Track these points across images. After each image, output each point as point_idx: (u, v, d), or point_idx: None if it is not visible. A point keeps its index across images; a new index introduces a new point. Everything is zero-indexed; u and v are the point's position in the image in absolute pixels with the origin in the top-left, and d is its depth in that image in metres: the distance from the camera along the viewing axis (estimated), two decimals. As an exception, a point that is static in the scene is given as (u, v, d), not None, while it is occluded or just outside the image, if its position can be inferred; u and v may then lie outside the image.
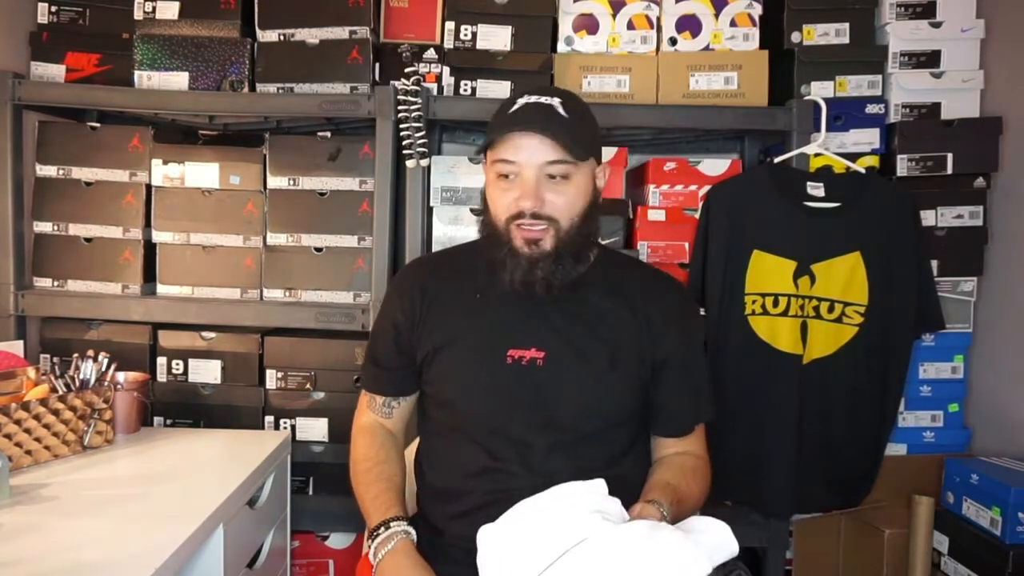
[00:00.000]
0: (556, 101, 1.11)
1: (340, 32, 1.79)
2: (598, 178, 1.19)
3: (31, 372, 1.48)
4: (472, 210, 1.83)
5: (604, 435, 1.16)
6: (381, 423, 1.28)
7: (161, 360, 1.85)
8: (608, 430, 1.17)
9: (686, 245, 1.84)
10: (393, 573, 1.06)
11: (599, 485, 1.00)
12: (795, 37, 1.89)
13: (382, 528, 1.10)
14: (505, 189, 1.11)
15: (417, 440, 1.33)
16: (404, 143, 1.73)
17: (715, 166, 1.86)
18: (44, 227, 1.85)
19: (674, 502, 1.07)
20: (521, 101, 1.12)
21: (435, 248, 1.84)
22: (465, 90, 1.85)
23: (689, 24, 1.85)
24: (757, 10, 1.84)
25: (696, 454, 1.23)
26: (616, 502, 0.99)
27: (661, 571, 0.88)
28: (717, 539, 0.94)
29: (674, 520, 1.03)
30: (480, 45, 1.85)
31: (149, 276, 1.86)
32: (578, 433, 1.14)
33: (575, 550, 0.91)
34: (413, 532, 1.12)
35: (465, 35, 1.85)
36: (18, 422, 1.33)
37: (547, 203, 1.09)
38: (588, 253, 1.17)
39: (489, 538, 0.99)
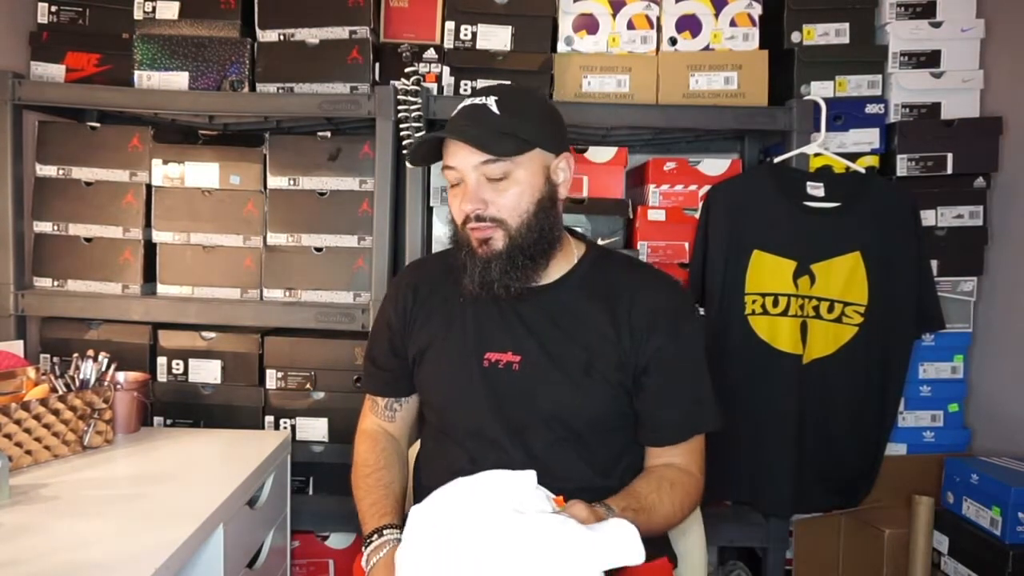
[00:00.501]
0: (491, 100, 1.10)
1: (340, 32, 1.79)
2: (557, 171, 1.14)
3: (31, 372, 1.48)
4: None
5: (584, 442, 1.14)
6: (384, 427, 1.28)
7: (161, 360, 1.85)
8: (588, 436, 1.14)
9: (686, 245, 1.84)
10: None
11: (528, 476, 0.97)
12: (795, 37, 1.89)
13: (375, 536, 1.11)
14: (454, 195, 1.13)
15: (419, 441, 1.33)
16: (404, 143, 1.73)
17: (715, 166, 1.86)
18: (44, 227, 1.85)
19: (635, 509, 1.04)
20: (461, 104, 1.13)
21: (435, 248, 1.84)
22: (465, 90, 1.85)
23: (689, 24, 1.85)
24: (757, 10, 1.84)
25: (681, 467, 1.15)
26: (543, 495, 0.95)
27: (549, 565, 0.87)
28: (619, 541, 0.90)
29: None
30: (480, 45, 1.85)
31: (149, 276, 1.86)
32: (554, 438, 1.13)
33: (478, 544, 0.90)
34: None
35: (465, 35, 1.85)
36: (18, 422, 1.33)
37: (490, 204, 1.09)
38: (549, 250, 1.14)
39: (414, 518, 0.98)
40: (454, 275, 1.20)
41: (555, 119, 1.17)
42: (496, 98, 1.10)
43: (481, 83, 1.85)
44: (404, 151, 1.74)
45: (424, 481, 1.22)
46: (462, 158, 1.09)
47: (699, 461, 1.18)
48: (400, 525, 1.13)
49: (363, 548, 1.12)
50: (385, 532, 1.11)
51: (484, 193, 1.09)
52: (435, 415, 1.23)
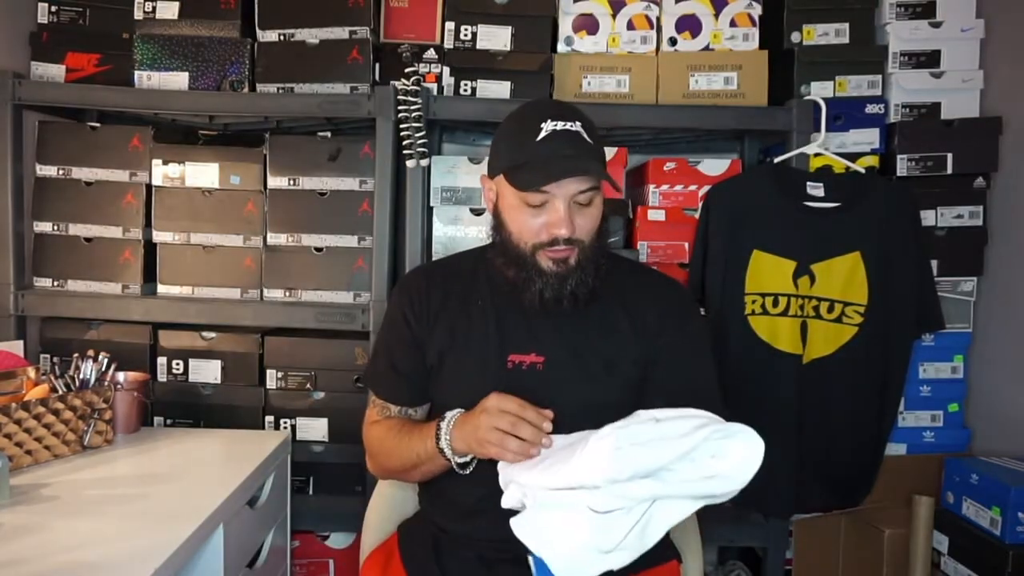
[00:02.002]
0: (579, 127, 1.12)
1: (340, 32, 1.79)
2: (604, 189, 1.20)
3: (31, 372, 1.47)
4: (472, 210, 1.83)
5: None
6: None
7: (161, 360, 1.85)
8: None
9: (686, 245, 1.84)
10: (472, 419, 1.07)
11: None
12: (795, 37, 1.89)
13: (435, 435, 1.11)
14: (533, 215, 1.12)
15: None
16: (404, 143, 1.73)
17: (715, 166, 1.86)
18: (44, 227, 1.85)
19: None
20: (547, 127, 1.10)
21: (435, 248, 1.84)
22: (465, 90, 1.85)
23: (689, 24, 1.85)
24: (757, 10, 1.84)
25: None
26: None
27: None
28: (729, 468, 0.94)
29: None
30: (480, 45, 1.85)
31: (149, 276, 1.86)
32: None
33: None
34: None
35: (465, 35, 1.85)
36: (18, 422, 1.33)
37: (576, 228, 1.11)
38: (604, 264, 1.18)
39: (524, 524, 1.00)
40: (467, 279, 1.22)
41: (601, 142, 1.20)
42: (581, 123, 1.12)
43: (481, 83, 1.85)
44: (404, 151, 1.74)
45: (434, 482, 1.22)
46: (565, 186, 1.09)
47: None
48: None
49: (441, 448, 1.10)
50: (443, 423, 1.11)
51: (576, 218, 1.11)
52: None
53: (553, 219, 1.10)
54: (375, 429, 1.24)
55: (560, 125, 1.11)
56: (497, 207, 1.17)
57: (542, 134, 1.10)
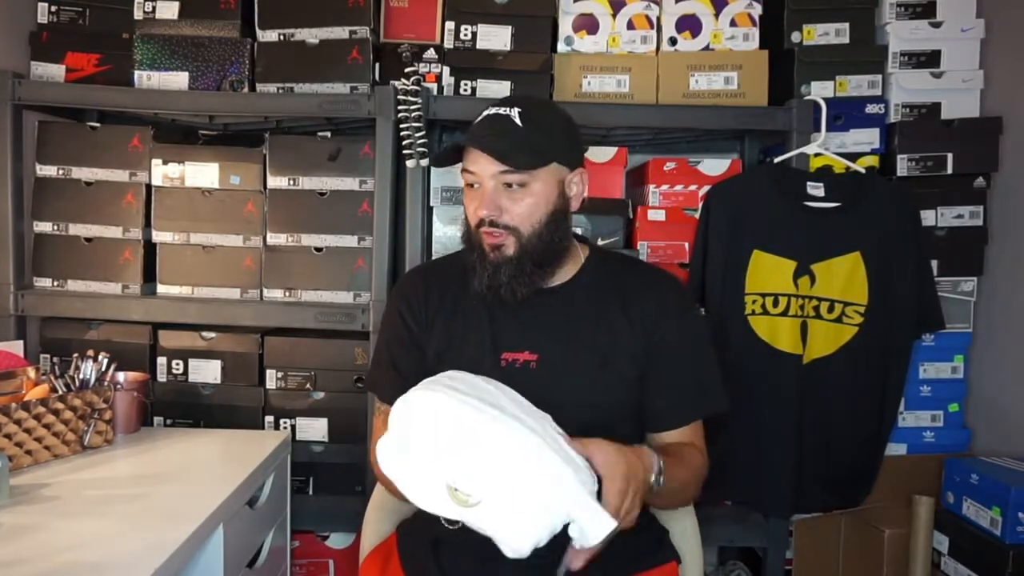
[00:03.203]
0: (515, 112, 1.12)
1: (340, 32, 1.79)
2: (571, 185, 1.18)
3: (31, 372, 1.47)
4: (472, 210, 1.83)
5: (600, 435, 1.16)
6: None
7: (161, 360, 1.85)
8: (604, 430, 1.16)
9: (686, 245, 1.84)
10: None
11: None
12: (795, 37, 1.89)
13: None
14: (470, 197, 1.17)
15: None
16: (404, 143, 1.73)
17: (715, 166, 1.86)
18: (44, 227, 1.85)
19: (670, 454, 1.09)
20: (484, 112, 1.15)
21: (435, 248, 1.84)
22: (465, 90, 1.85)
23: (689, 24, 1.85)
24: (757, 10, 1.84)
25: (692, 444, 1.19)
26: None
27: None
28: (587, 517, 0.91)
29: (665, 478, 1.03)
30: (480, 45, 1.85)
31: (149, 276, 1.86)
32: (570, 433, 1.14)
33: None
34: None
35: (465, 35, 1.85)
36: (18, 422, 1.33)
37: (504, 211, 1.13)
38: (557, 259, 1.18)
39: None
40: (463, 278, 1.22)
41: (573, 135, 1.20)
42: (520, 110, 1.13)
43: (481, 83, 1.85)
44: (404, 151, 1.74)
45: None
46: (482, 165, 1.12)
47: (703, 442, 1.22)
48: None
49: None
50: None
51: (500, 200, 1.13)
52: None
53: (480, 199, 1.14)
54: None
55: (494, 111, 1.14)
56: None
57: (479, 118, 1.15)
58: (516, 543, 0.90)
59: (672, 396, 1.19)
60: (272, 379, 1.84)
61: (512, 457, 0.90)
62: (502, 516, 0.90)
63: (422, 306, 1.23)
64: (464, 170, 1.15)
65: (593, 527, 0.90)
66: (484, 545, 1.15)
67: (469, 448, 0.90)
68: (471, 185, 1.16)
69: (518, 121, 1.12)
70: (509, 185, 1.12)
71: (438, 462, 0.92)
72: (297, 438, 1.82)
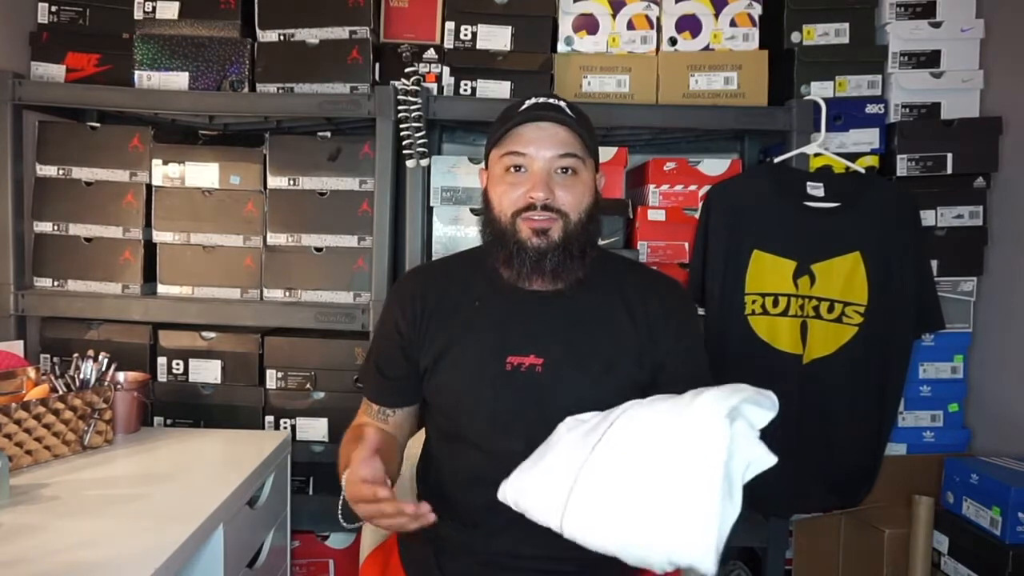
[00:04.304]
0: (563, 103, 1.15)
1: (340, 32, 1.79)
2: (598, 182, 1.21)
3: (31, 372, 1.48)
4: (472, 210, 1.83)
5: None
6: (377, 425, 1.26)
7: (161, 360, 1.85)
8: None
9: (686, 245, 1.84)
10: (351, 476, 0.99)
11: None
12: (795, 37, 1.89)
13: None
14: (513, 183, 1.13)
15: (421, 437, 1.33)
16: (404, 143, 1.73)
17: (715, 166, 1.86)
18: (44, 227, 1.85)
19: None
20: (529, 101, 1.15)
21: (435, 248, 1.84)
22: (465, 90, 1.85)
23: (689, 24, 1.85)
24: (757, 10, 1.84)
25: None
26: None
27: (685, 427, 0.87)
28: (754, 396, 0.89)
29: None
30: (480, 45, 1.85)
31: (149, 276, 1.86)
32: None
33: (611, 429, 0.91)
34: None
35: (465, 35, 1.85)
36: (18, 422, 1.33)
37: (557, 196, 1.12)
38: (590, 252, 1.17)
39: (514, 483, 0.97)
40: (464, 280, 1.22)
41: (596, 136, 1.22)
42: (566, 103, 1.15)
43: (481, 83, 1.85)
44: (404, 151, 1.74)
45: (432, 486, 1.22)
46: (539, 145, 1.11)
47: None
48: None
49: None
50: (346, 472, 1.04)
51: (553, 183, 1.11)
52: (448, 421, 1.20)
53: (530, 182, 1.11)
54: (346, 435, 1.23)
55: (542, 99, 1.15)
56: (486, 190, 1.19)
57: (525, 106, 1.15)
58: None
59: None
60: (272, 379, 1.84)
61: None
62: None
63: (419, 310, 1.21)
64: (511, 152, 1.12)
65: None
66: (485, 546, 1.15)
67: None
68: (515, 169, 1.13)
69: (569, 111, 1.13)
70: (564, 170, 1.12)
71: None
72: (297, 438, 1.82)
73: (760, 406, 0.88)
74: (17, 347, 1.61)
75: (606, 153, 1.87)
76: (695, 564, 0.82)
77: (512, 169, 1.13)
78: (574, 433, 0.98)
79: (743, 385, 0.89)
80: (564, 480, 0.92)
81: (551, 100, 1.15)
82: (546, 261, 1.12)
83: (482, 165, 1.24)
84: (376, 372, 1.25)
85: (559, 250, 1.12)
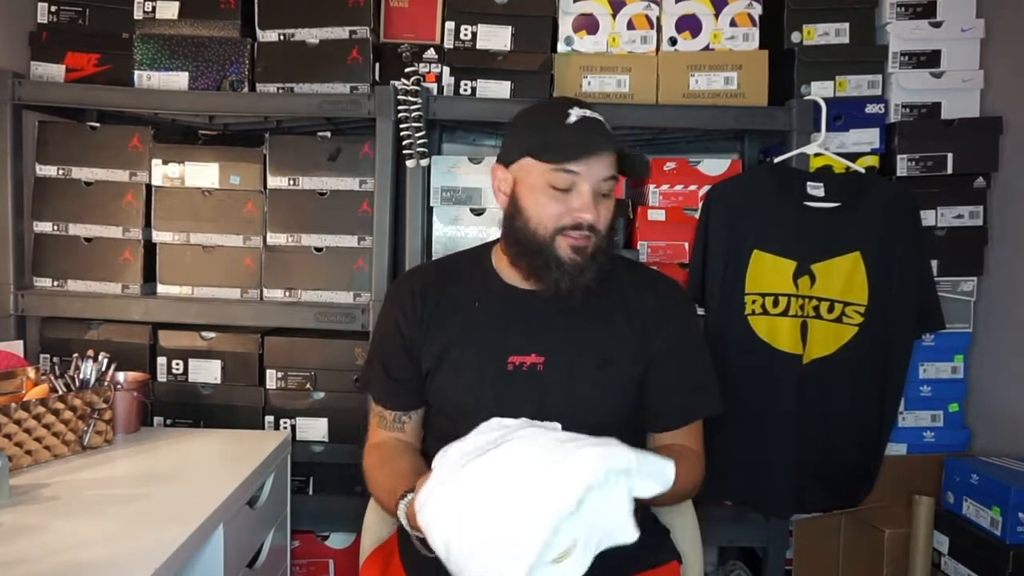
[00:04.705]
0: (601, 118, 1.15)
1: (340, 32, 1.79)
2: None
3: (31, 372, 1.48)
4: (472, 210, 1.83)
5: (605, 436, 1.16)
6: (394, 436, 1.25)
7: (161, 360, 1.85)
8: (608, 431, 1.17)
9: (686, 245, 1.84)
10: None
11: (554, 425, 1.00)
12: (795, 37, 1.89)
13: (397, 517, 1.06)
14: (557, 198, 1.12)
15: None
16: (404, 143, 1.73)
17: (715, 166, 1.86)
18: (44, 227, 1.85)
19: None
20: (576, 112, 1.13)
21: (435, 248, 1.84)
22: (465, 90, 1.85)
23: (689, 24, 1.85)
24: (757, 10, 1.84)
25: (687, 446, 1.21)
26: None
27: (558, 468, 0.86)
28: (655, 464, 0.89)
29: None
30: (480, 45, 1.85)
31: (149, 276, 1.86)
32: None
33: (500, 445, 0.92)
34: None
35: (465, 35, 1.85)
36: (18, 422, 1.33)
37: (598, 216, 1.13)
38: (611, 258, 1.20)
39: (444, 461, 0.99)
40: (463, 280, 1.22)
41: None
42: (601, 116, 1.15)
43: (481, 83, 1.85)
44: (404, 151, 1.74)
45: None
46: (594, 169, 1.11)
47: (701, 444, 1.24)
48: (412, 489, 1.07)
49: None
50: (401, 503, 1.05)
51: (597, 205, 1.13)
52: (449, 422, 1.20)
53: (579, 203, 1.11)
54: (369, 458, 1.23)
55: (587, 113, 1.14)
56: (515, 194, 1.16)
57: (571, 118, 1.12)
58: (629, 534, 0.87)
59: (674, 397, 1.21)
60: (272, 379, 1.84)
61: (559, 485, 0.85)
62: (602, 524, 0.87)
63: (418, 310, 1.21)
64: (564, 171, 1.10)
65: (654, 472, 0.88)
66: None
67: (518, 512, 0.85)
68: (562, 188, 1.11)
69: (607, 127, 1.15)
70: (604, 193, 1.13)
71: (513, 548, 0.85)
72: (297, 438, 1.82)
73: (652, 478, 0.88)
74: (17, 347, 1.61)
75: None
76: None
77: (560, 187, 1.12)
78: (479, 438, 0.98)
79: (641, 455, 0.87)
80: (437, 480, 0.93)
81: (596, 116, 1.14)
82: (583, 277, 1.13)
83: (494, 162, 1.21)
84: (385, 376, 1.24)
85: (593, 264, 1.13)
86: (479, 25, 1.85)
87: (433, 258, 1.79)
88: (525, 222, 1.14)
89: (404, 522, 1.04)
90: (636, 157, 1.16)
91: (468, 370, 1.17)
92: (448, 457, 0.97)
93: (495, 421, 1.01)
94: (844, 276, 1.70)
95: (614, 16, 1.85)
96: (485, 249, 1.28)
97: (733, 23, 1.84)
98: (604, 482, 0.85)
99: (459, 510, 0.88)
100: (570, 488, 0.83)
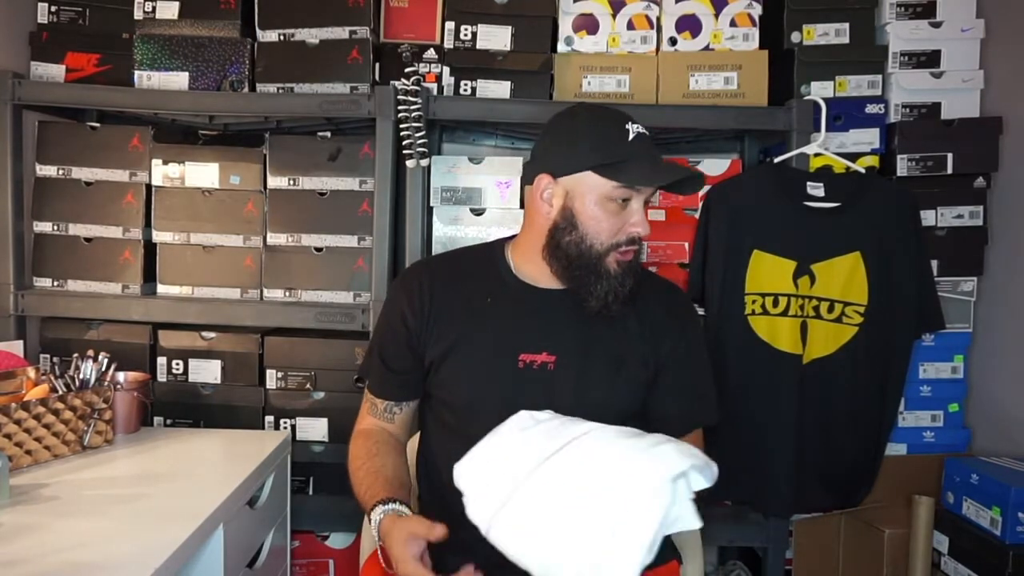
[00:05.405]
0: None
1: (340, 32, 1.79)
2: None
3: (31, 372, 1.48)
4: (472, 210, 1.83)
5: None
6: (382, 426, 1.27)
7: (161, 360, 1.85)
8: None
9: (686, 245, 1.84)
10: (389, 545, 1.04)
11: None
12: (795, 37, 1.89)
13: (371, 513, 1.10)
14: (615, 213, 1.13)
15: (418, 437, 1.33)
16: (404, 143, 1.73)
17: (715, 166, 1.86)
18: (44, 227, 1.85)
19: None
20: (633, 128, 1.13)
21: (435, 248, 1.84)
22: (465, 90, 1.85)
23: (689, 24, 1.85)
24: (757, 10, 1.84)
25: None
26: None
27: (642, 468, 0.89)
28: (688, 450, 0.93)
29: None
30: (480, 45, 1.85)
31: (149, 276, 1.86)
32: None
33: (564, 449, 0.93)
34: (397, 506, 1.09)
35: (465, 35, 1.85)
36: (18, 422, 1.33)
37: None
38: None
39: (466, 471, 1.00)
40: (472, 276, 1.23)
41: None
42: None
43: (481, 83, 1.85)
44: (404, 151, 1.74)
45: (434, 483, 1.22)
46: (649, 187, 1.14)
47: (702, 448, 1.23)
48: (392, 499, 1.11)
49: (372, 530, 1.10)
50: (374, 510, 1.09)
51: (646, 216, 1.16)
52: (455, 416, 1.20)
53: (635, 219, 1.14)
54: (355, 444, 1.24)
55: (641, 129, 1.15)
56: (567, 208, 1.14)
57: (631, 135, 1.13)
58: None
59: (682, 402, 1.22)
60: (272, 379, 1.84)
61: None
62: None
63: (426, 302, 1.21)
64: (627, 187, 1.12)
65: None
66: (485, 545, 1.15)
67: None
68: (619, 201, 1.12)
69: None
70: (648, 205, 1.17)
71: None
72: (297, 438, 1.82)
73: (702, 473, 0.92)
74: (17, 347, 1.61)
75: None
76: None
77: (617, 200, 1.12)
78: (527, 434, 0.99)
79: (695, 450, 0.93)
80: (503, 488, 0.94)
81: (646, 132, 1.15)
82: (625, 286, 1.15)
83: (541, 171, 1.17)
84: (381, 365, 1.24)
85: (632, 273, 1.16)
86: (479, 25, 1.85)
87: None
88: (580, 237, 1.14)
89: (375, 532, 1.08)
90: (694, 179, 1.17)
91: (478, 366, 1.17)
92: (496, 465, 0.97)
93: (525, 414, 1.03)
94: (844, 276, 1.70)
95: (614, 16, 1.85)
96: (496, 246, 1.28)
97: (733, 23, 1.84)
98: (674, 484, 0.89)
99: (542, 523, 0.90)
100: (664, 490, 0.87)
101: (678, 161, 1.85)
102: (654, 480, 0.88)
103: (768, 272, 1.71)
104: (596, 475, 0.91)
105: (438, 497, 1.21)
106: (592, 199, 1.12)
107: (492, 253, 1.26)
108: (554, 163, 1.15)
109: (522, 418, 1.03)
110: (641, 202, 1.14)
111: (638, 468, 0.90)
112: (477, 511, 0.96)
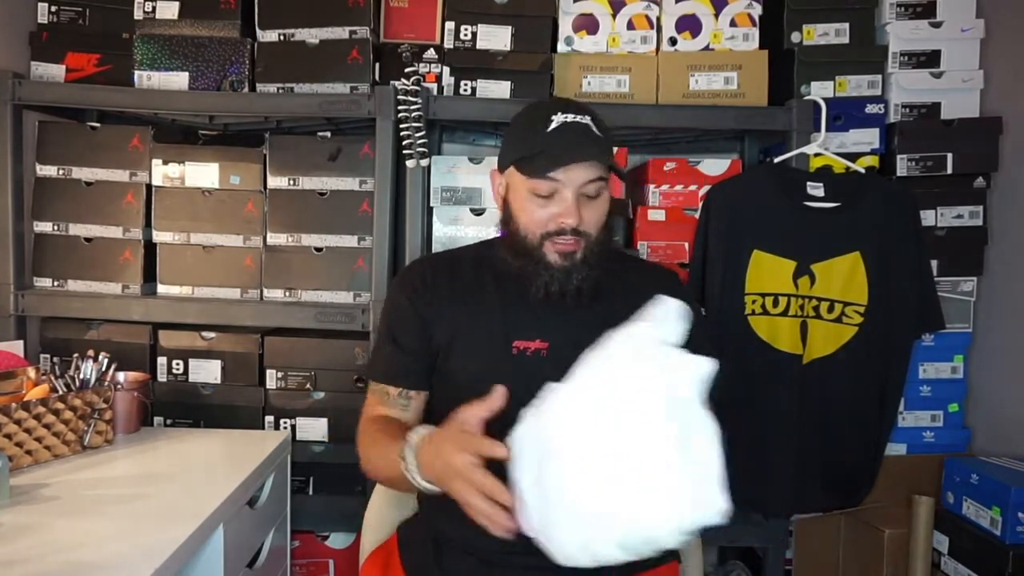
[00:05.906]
0: (588, 120, 1.15)
1: (340, 32, 1.79)
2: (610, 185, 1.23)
3: (31, 372, 1.48)
4: (472, 210, 1.83)
5: None
6: (395, 415, 1.22)
7: (161, 360, 1.85)
8: None
9: (686, 245, 1.84)
10: (438, 442, 0.99)
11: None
12: (795, 37, 1.89)
13: (402, 459, 1.02)
14: (542, 205, 1.14)
15: None
16: (404, 143, 1.73)
17: (715, 166, 1.86)
18: (44, 227, 1.85)
19: None
20: (557, 119, 1.14)
21: (435, 248, 1.84)
22: (465, 90, 1.85)
23: (689, 24, 1.85)
24: (757, 10, 1.84)
25: None
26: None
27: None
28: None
29: None
30: (480, 45, 1.85)
31: (149, 276, 1.86)
32: None
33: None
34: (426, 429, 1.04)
35: (465, 35, 1.85)
36: (18, 422, 1.33)
37: (584, 219, 1.14)
38: (607, 258, 1.20)
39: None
40: (471, 269, 1.24)
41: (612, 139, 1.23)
42: (590, 118, 1.16)
43: (481, 83, 1.85)
44: (404, 151, 1.74)
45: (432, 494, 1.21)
46: (573, 175, 1.12)
47: None
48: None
49: (409, 475, 1.02)
50: (410, 436, 1.02)
51: (581, 209, 1.14)
52: (451, 406, 1.18)
53: (561, 209, 1.13)
54: (364, 434, 1.20)
55: (570, 117, 1.14)
56: (506, 200, 1.20)
57: (552, 125, 1.14)
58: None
59: None
60: (272, 379, 1.84)
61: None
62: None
63: (430, 291, 1.22)
64: (545, 178, 1.12)
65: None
66: (486, 544, 1.15)
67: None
68: (544, 195, 1.13)
69: (596, 130, 1.15)
70: (590, 195, 1.14)
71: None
72: (297, 438, 1.82)
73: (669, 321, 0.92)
74: (17, 347, 1.61)
75: (606, 153, 1.87)
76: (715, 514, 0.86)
77: (541, 194, 1.13)
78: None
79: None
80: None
81: (580, 119, 1.14)
82: (572, 280, 1.15)
83: (490, 169, 1.24)
84: (394, 350, 1.21)
85: (583, 268, 1.15)
86: (479, 25, 1.85)
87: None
88: (516, 227, 1.18)
89: (411, 458, 1.00)
90: (606, 158, 1.15)
91: (474, 356, 1.18)
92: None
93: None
94: (844, 276, 1.70)
95: (614, 16, 1.85)
96: (492, 241, 1.30)
97: (733, 23, 1.84)
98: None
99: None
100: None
101: (677, 161, 1.86)
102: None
103: (768, 272, 1.71)
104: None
105: (436, 500, 1.20)
106: (520, 192, 1.16)
107: (485, 248, 1.29)
108: (499, 159, 1.22)
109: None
110: (572, 192, 1.12)
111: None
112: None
